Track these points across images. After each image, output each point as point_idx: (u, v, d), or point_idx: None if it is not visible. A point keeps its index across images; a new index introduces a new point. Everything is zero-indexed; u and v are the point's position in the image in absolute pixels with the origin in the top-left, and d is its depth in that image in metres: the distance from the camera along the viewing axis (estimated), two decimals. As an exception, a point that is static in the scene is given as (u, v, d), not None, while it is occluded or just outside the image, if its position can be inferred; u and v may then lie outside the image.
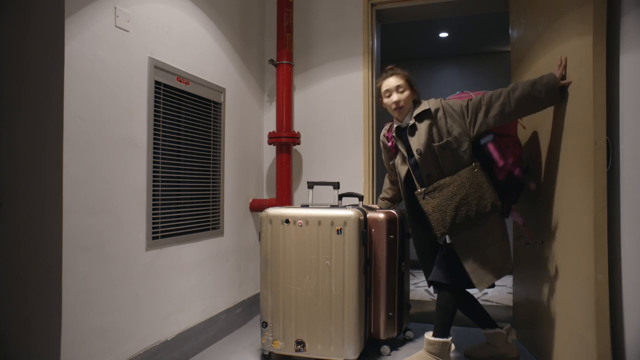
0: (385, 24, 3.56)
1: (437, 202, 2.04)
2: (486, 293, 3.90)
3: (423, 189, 2.09)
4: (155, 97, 2.13)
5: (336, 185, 2.41)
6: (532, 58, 2.33)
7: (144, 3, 2.05)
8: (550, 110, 2.11)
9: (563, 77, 1.97)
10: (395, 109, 2.17)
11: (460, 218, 2.01)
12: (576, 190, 1.88)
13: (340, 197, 2.49)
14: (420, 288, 3.99)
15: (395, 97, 2.16)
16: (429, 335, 2.15)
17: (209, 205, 2.57)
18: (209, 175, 2.59)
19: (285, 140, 3.02)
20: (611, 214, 1.85)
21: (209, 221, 2.57)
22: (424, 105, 2.15)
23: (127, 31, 1.95)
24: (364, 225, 2.24)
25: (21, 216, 1.69)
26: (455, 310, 2.16)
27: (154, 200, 2.11)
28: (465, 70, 5.13)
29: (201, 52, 2.52)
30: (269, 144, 3.10)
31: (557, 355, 2.06)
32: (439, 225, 2.04)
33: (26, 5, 1.69)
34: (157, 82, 2.13)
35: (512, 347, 2.26)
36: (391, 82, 2.19)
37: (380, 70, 3.57)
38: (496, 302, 3.57)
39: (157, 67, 2.12)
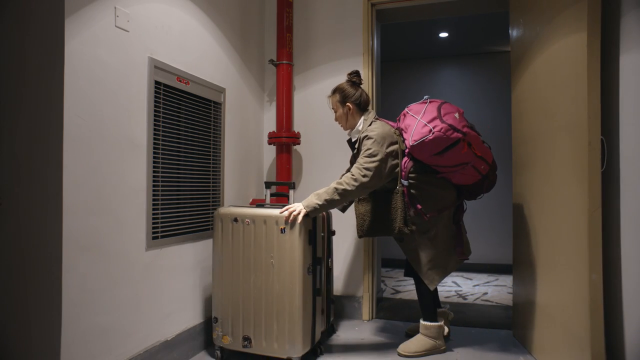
0: (385, 24, 3.56)
1: (363, 209, 2.41)
2: (486, 293, 3.90)
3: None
4: (155, 97, 2.13)
5: (291, 186, 2.49)
6: (531, 57, 2.33)
7: (144, 3, 2.05)
8: (546, 111, 2.11)
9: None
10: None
11: (373, 230, 2.39)
12: (571, 190, 1.88)
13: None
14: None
15: (335, 116, 2.52)
16: (422, 321, 2.44)
17: (209, 205, 2.57)
18: (209, 175, 2.59)
19: (285, 140, 3.03)
20: (611, 214, 1.85)
21: (209, 221, 2.57)
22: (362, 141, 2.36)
23: (127, 31, 1.95)
24: (312, 224, 2.25)
25: (21, 216, 1.69)
26: (430, 295, 2.44)
27: (154, 200, 2.11)
28: (465, 70, 5.13)
29: (201, 52, 2.52)
30: (269, 144, 3.10)
31: (553, 354, 2.07)
32: (359, 229, 2.42)
33: (26, 5, 1.69)
34: (157, 82, 2.13)
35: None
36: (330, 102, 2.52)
37: (381, 70, 3.58)
38: (496, 302, 3.57)
39: (157, 67, 2.12)
